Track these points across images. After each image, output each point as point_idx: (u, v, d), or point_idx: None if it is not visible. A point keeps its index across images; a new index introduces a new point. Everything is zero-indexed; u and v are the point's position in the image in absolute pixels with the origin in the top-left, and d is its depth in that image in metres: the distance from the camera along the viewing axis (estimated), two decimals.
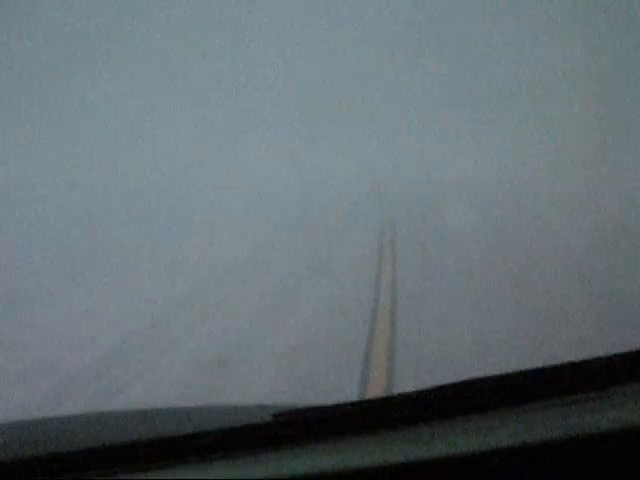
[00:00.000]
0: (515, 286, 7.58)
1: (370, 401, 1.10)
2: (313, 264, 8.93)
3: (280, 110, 28.18)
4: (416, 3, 28.25)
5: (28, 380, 5.04)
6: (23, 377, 5.07)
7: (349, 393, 4.68)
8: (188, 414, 1.58)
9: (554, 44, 25.93)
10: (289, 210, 14.23)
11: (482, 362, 5.12)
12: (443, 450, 0.98)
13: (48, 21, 28.97)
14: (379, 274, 8.36)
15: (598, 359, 1.09)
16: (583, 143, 21.91)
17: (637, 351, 1.08)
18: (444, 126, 26.05)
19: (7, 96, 28.97)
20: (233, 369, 5.27)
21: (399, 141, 25.65)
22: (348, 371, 5.06)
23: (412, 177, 20.42)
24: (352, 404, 1.09)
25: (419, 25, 28.07)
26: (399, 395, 1.10)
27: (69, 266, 9.17)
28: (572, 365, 1.09)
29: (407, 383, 4.77)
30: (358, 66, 28.64)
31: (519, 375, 1.08)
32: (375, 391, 4.69)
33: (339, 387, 4.81)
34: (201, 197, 17.21)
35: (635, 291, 7.22)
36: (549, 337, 5.74)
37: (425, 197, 16.23)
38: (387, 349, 5.49)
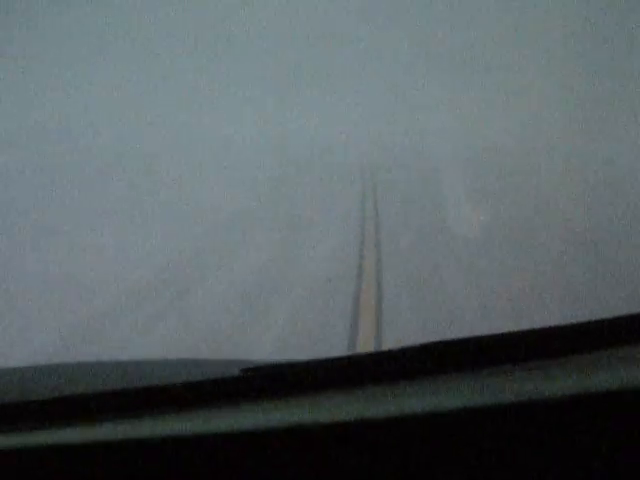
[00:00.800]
0: None
1: (339, 359, 1.11)
2: None
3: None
4: None
5: None
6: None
7: None
8: (164, 366, 1.61)
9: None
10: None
11: None
12: (418, 408, 0.99)
13: None
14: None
15: (572, 325, 1.10)
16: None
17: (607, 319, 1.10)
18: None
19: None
20: None
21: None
22: None
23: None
24: (319, 361, 1.10)
25: None
26: (369, 354, 1.11)
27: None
28: (549, 330, 1.10)
29: None
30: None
31: (502, 337, 1.09)
32: None
33: None
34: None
35: None
36: None
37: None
38: None
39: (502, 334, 1.09)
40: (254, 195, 10.83)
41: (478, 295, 5.96)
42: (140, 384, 1.20)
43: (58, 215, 9.47)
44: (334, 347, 4.76)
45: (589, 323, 1.10)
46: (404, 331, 5.09)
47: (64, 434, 1.03)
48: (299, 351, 4.73)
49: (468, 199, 10.56)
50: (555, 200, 10.53)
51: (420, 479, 0.96)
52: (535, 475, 0.96)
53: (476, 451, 0.96)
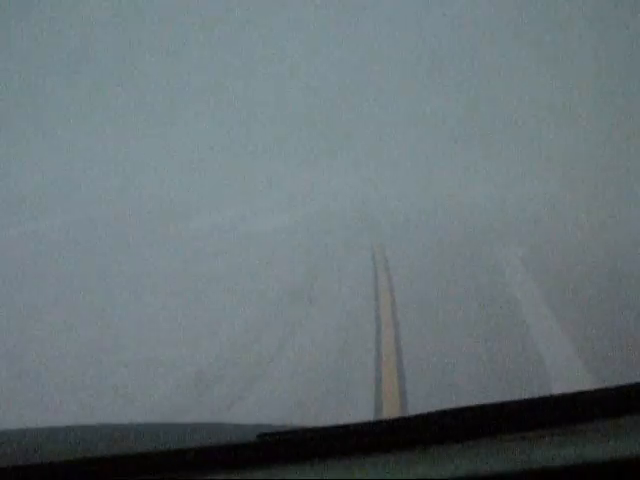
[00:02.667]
0: None
1: (350, 426, 1.12)
2: None
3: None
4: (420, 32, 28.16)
5: None
6: None
7: None
8: (180, 430, 1.61)
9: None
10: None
11: None
12: (435, 475, 1.00)
13: None
14: None
15: (587, 392, 1.12)
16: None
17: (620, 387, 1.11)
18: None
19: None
20: None
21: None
22: None
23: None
24: (337, 427, 1.11)
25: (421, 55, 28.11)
26: (386, 420, 1.15)
27: None
28: (567, 397, 1.12)
29: None
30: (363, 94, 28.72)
31: (524, 403, 1.10)
32: None
33: None
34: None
35: None
36: None
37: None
38: None
39: (503, 403, 1.10)
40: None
41: None
42: (153, 448, 1.20)
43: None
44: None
45: (586, 393, 1.12)
46: None
47: None
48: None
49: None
50: None
51: None
52: None
53: None
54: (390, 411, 4.86)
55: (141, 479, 1.07)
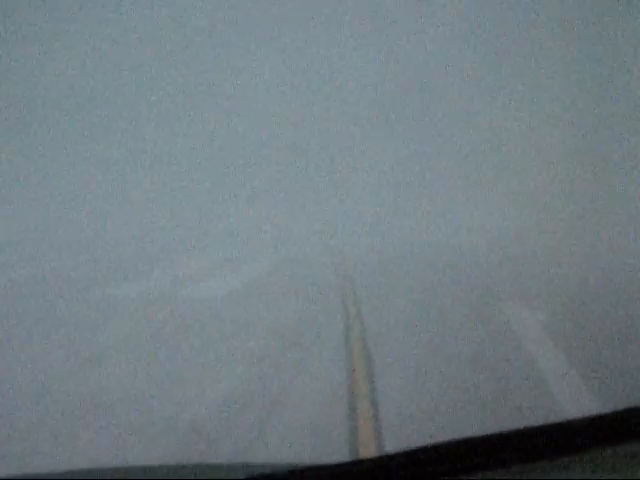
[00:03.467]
0: None
1: (345, 464, 1.05)
2: None
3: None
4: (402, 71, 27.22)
5: None
6: None
7: None
8: (167, 471, 1.58)
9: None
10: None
11: None
12: None
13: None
14: None
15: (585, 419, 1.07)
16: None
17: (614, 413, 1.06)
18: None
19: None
20: None
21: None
22: None
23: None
24: (323, 467, 1.05)
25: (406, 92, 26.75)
26: (373, 459, 1.05)
27: None
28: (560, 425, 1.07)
29: None
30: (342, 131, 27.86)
31: (509, 435, 1.05)
32: None
33: None
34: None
35: None
36: None
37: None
38: None
39: (507, 432, 1.06)
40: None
41: None
42: None
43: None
44: None
45: (587, 419, 1.08)
46: None
47: None
48: None
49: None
50: None
51: None
52: None
53: None
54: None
55: None
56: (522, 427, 1.05)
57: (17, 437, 4.56)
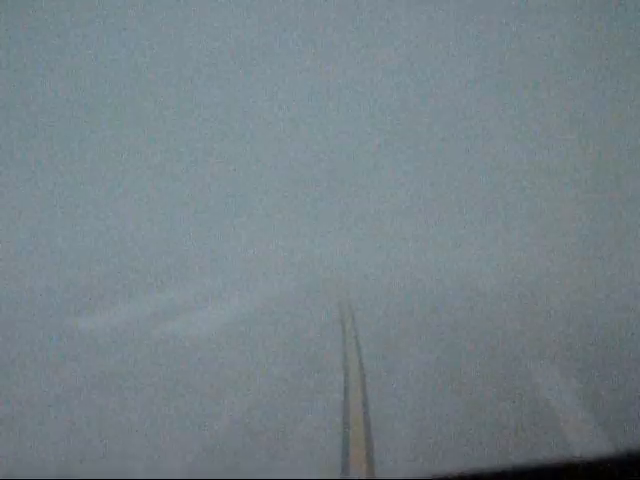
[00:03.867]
0: None
1: None
2: None
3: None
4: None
5: None
6: None
7: None
8: None
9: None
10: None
11: None
12: None
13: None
14: None
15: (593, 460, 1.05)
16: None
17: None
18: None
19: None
20: None
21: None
22: None
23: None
24: None
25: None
26: None
27: None
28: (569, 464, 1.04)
29: None
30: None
31: (506, 471, 1.04)
32: None
33: None
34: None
35: None
36: None
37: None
38: None
39: (501, 468, 1.04)
40: None
41: None
42: None
43: None
44: None
45: (584, 461, 1.06)
46: None
47: None
48: None
49: None
50: None
51: None
52: None
53: None
54: None
55: None
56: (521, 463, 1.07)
57: None
